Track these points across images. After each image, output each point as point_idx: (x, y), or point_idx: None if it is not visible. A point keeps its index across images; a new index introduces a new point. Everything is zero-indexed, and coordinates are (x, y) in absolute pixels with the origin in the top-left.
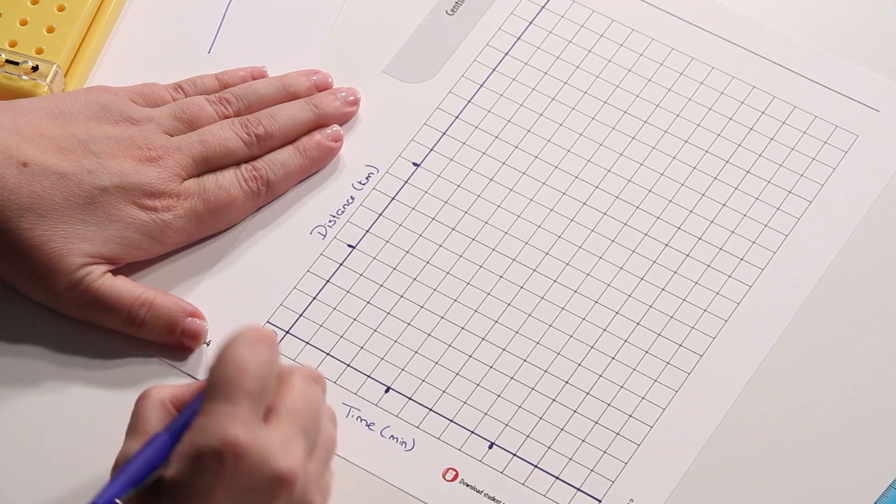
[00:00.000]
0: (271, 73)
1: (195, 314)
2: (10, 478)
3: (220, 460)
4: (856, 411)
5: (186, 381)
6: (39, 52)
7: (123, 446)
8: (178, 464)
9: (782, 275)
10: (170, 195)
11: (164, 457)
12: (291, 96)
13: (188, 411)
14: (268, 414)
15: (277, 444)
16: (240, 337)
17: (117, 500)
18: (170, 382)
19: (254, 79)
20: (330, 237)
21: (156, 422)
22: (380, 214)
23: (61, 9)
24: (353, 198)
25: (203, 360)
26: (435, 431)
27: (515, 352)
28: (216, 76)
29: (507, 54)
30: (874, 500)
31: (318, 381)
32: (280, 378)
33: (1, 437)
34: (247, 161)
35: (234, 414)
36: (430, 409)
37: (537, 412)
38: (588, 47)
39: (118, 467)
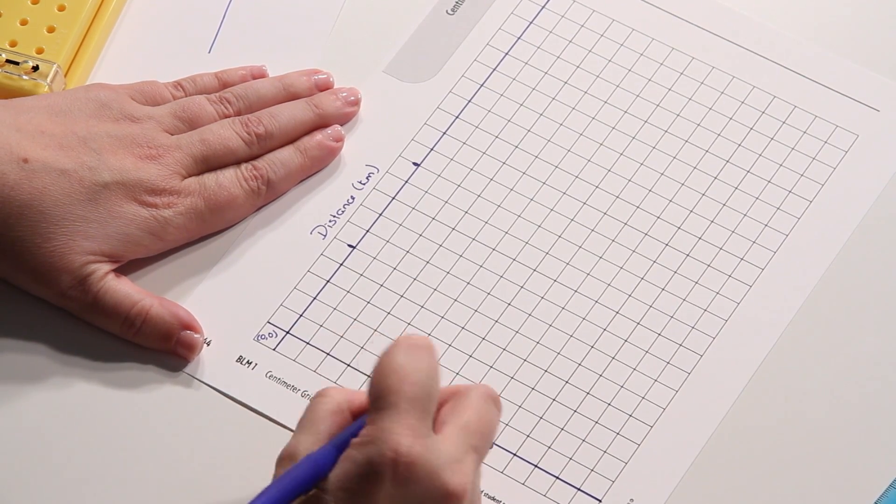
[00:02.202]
0: (271, 73)
1: (191, 326)
2: (10, 476)
3: (387, 469)
4: (856, 411)
5: (189, 380)
6: (40, 51)
7: (292, 440)
8: (344, 470)
9: (782, 275)
10: (170, 192)
11: (325, 471)
12: (292, 96)
13: (358, 423)
14: (441, 426)
15: (448, 458)
16: (398, 345)
17: None
18: (175, 379)
19: (253, 78)
20: (330, 237)
21: (328, 424)
22: (380, 214)
23: (62, 9)
24: (353, 198)
25: (202, 362)
26: None
27: (515, 351)
28: (216, 75)
29: (507, 54)
30: (874, 500)
31: (496, 401)
32: (457, 394)
33: (2, 435)
34: (247, 160)
35: (401, 422)
36: None
37: (537, 412)
38: (588, 47)
39: (283, 461)
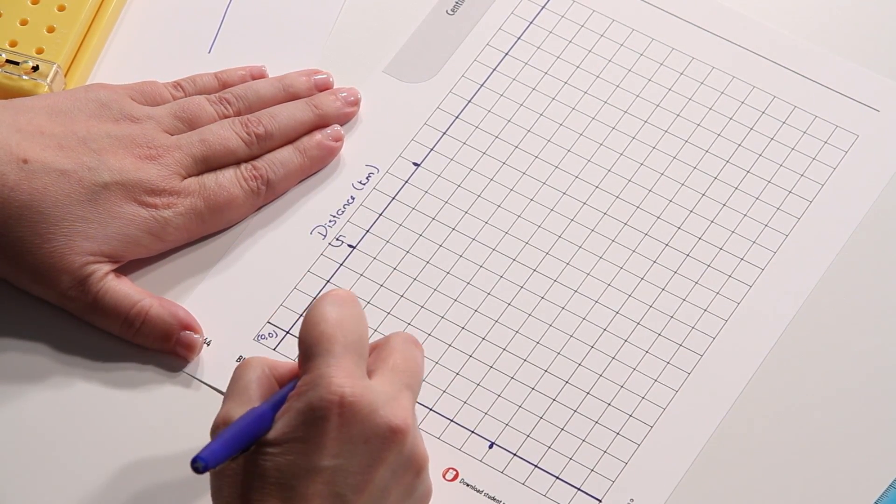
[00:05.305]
0: (271, 73)
1: (190, 326)
2: (10, 476)
3: (329, 411)
4: (856, 411)
5: (189, 380)
6: (40, 51)
7: (222, 410)
8: (286, 422)
9: (782, 275)
10: (170, 192)
11: (265, 427)
12: (291, 96)
13: (288, 387)
14: (371, 374)
15: (385, 397)
16: (325, 297)
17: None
18: (175, 379)
19: (253, 78)
20: (330, 237)
21: (255, 390)
22: (380, 214)
23: (61, 9)
24: (353, 198)
25: (202, 362)
26: (435, 431)
27: (515, 351)
28: (215, 75)
29: (507, 54)
30: (874, 500)
31: (416, 343)
32: (379, 345)
33: (2, 435)
34: (247, 161)
35: (338, 365)
36: (431, 409)
37: (537, 412)
38: (588, 47)
39: (218, 429)
